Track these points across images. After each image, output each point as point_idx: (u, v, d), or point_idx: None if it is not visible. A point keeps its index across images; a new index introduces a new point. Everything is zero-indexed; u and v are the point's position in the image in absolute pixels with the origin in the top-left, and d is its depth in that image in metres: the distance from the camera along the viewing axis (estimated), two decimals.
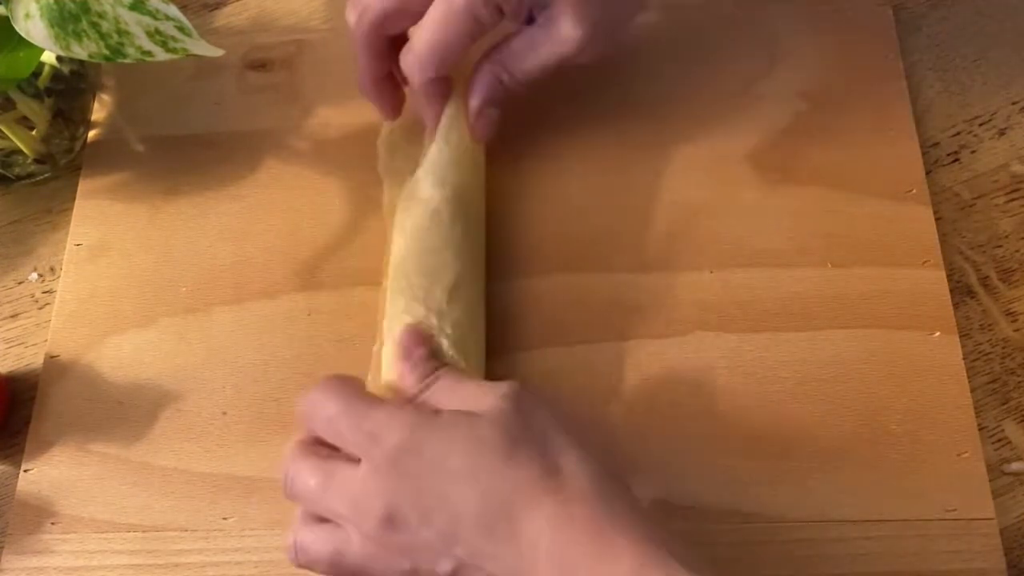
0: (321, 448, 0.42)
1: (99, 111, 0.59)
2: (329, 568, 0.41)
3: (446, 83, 0.51)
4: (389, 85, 0.52)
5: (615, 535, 0.37)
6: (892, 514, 0.46)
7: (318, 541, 0.41)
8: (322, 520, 0.42)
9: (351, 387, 0.42)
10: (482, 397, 0.41)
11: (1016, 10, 0.58)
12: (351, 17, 0.49)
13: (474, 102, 0.50)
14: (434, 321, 0.46)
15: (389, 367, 0.46)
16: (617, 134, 0.56)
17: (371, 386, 0.46)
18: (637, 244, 0.53)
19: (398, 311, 0.47)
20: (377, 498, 0.39)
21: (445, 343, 0.46)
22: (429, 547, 0.38)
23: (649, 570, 0.36)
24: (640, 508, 0.40)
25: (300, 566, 0.42)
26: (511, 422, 0.40)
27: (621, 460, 0.48)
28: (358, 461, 0.40)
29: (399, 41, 0.50)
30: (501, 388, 0.42)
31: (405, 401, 0.43)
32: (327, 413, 0.42)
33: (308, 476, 0.41)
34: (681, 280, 0.52)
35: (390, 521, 0.39)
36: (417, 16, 0.48)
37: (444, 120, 0.51)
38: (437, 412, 0.41)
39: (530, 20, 0.48)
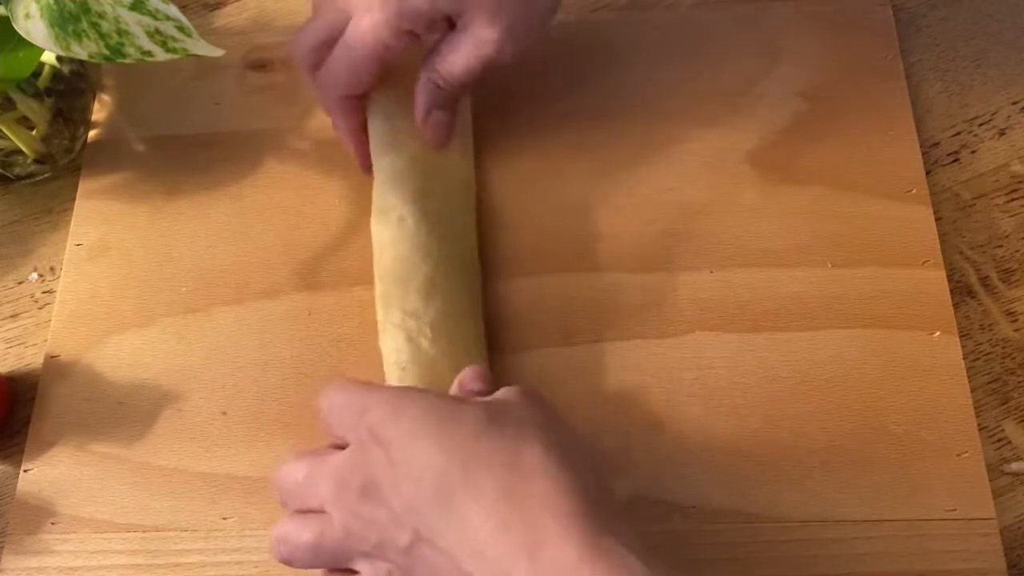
0: (317, 449, 0.42)
1: (99, 111, 0.59)
2: (310, 554, 0.40)
3: (355, 101, 0.52)
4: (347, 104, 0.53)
5: (561, 519, 0.36)
6: (892, 514, 0.46)
7: (300, 529, 0.41)
8: (306, 512, 0.41)
9: (357, 382, 0.43)
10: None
11: (1016, 10, 0.58)
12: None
13: (418, 111, 0.52)
14: (412, 324, 0.47)
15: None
16: (617, 134, 0.56)
17: None
18: (637, 244, 0.53)
19: (383, 320, 0.48)
20: (356, 471, 0.39)
21: (424, 343, 0.47)
22: (394, 519, 0.38)
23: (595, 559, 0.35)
24: (607, 503, 0.39)
25: (283, 560, 0.41)
26: (494, 409, 0.40)
27: (616, 460, 0.48)
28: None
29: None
30: (505, 389, 0.42)
31: None
32: (331, 403, 0.42)
33: (295, 471, 0.41)
34: (681, 280, 0.52)
35: (365, 492, 0.39)
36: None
37: (376, 134, 0.53)
38: (423, 391, 0.42)
39: (452, 27, 0.49)
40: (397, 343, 0.48)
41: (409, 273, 0.49)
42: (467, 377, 0.45)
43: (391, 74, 0.52)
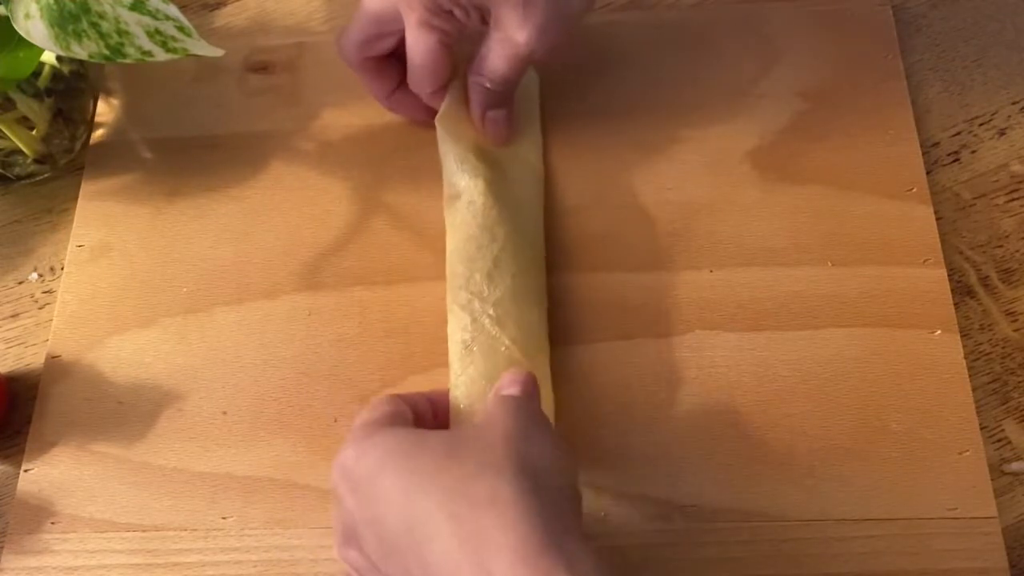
0: None
1: (102, 113, 0.59)
2: None
3: (442, 92, 0.53)
4: (403, 95, 0.54)
5: (505, 552, 0.34)
6: (893, 513, 0.46)
7: None
8: None
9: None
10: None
11: (1016, 10, 0.58)
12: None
13: (473, 113, 0.52)
14: (476, 305, 0.48)
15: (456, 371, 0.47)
16: (617, 134, 0.56)
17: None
18: (637, 244, 0.53)
19: (450, 301, 0.49)
20: (338, 519, 0.41)
21: (487, 322, 0.47)
22: (371, 565, 0.39)
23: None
24: (564, 523, 0.37)
25: None
26: (458, 439, 0.40)
27: (616, 459, 0.48)
28: None
29: (397, 54, 0.52)
30: (491, 400, 0.43)
31: None
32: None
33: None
34: (681, 280, 0.52)
35: (347, 540, 0.40)
36: (394, 33, 0.51)
37: (446, 124, 0.53)
38: (392, 429, 0.41)
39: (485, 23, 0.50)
40: (462, 322, 0.48)
41: (476, 255, 0.49)
42: (505, 382, 0.44)
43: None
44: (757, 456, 0.48)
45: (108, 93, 0.60)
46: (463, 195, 0.51)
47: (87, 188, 0.57)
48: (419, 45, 0.49)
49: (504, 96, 0.52)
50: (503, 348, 0.47)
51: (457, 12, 0.48)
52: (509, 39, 0.48)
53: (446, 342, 0.50)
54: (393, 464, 0.38)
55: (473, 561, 0.34)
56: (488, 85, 0.51)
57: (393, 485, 0.38)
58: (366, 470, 0.39)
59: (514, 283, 0.49)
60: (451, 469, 0.37)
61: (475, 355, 0.47)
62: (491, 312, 0.47)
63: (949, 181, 0.54)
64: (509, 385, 0.43)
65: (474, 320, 0.47)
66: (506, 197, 0.51)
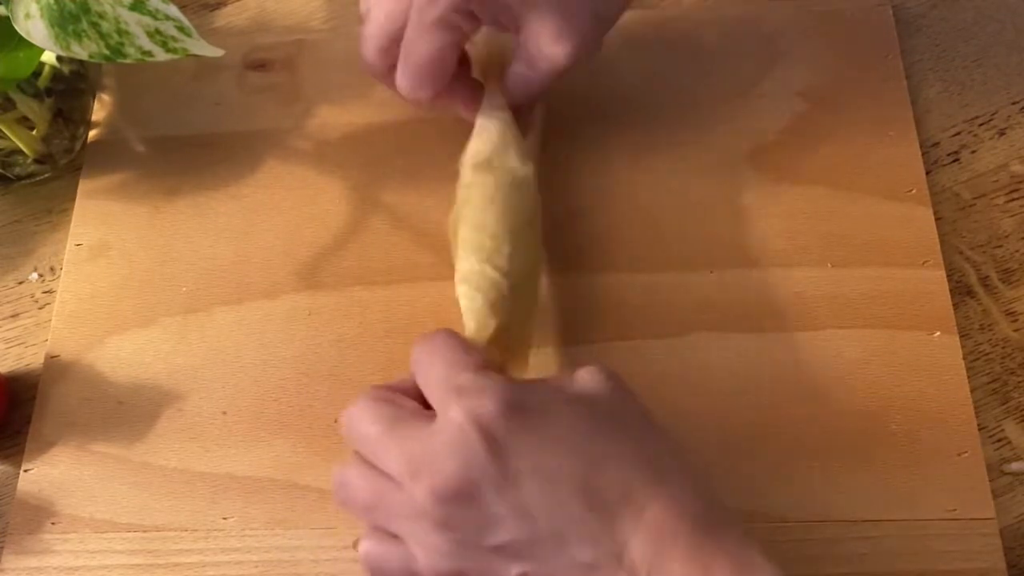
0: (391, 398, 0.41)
1: (99, 111, 0.59)
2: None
3: (460, 83, 0.51)
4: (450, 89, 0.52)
5: (715, 554, 0.36)
6: (892, 514, 0.46)
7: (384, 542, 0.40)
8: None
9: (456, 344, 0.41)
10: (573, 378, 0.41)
11: (1016, 10, 0.58)
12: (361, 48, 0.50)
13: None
14: (500, 278, 0.46)
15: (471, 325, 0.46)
16: (617, 134, 0.56)
17: None
18: (637, 244, 0.53)
19: (472, 264, 0.47)
20: (453, 463, 0.37)
21: (495, 273, 0.46)
22: (497, 517, 0.37)
23: None
24: (734, 523, 0.38)
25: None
26: (608, 406, 0.40)
27: None
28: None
29: None
30: (593, 370, 0.41)
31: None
32: (424, 370, 0.41)
33: (368, 426, 0.39)
34: (681, 280, 0.52)
35: (464, 481, 0.37)
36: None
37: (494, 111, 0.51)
38: (528, 385, 0.40)
39: (515, 28, 0.48)
40: (471, 264, 0.46)
41: (519, 229, 0.48)
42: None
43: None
44: (755, 457, 0.48)
45: (106, 91, 0.60)
46: (515, 172, 0.49)
47: (85, 187, 0.57)
48: (431, 44, 0.47)
49: (538, 97, 0.51)
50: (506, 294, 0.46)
51: (478, 12, 0.46)
52: (545, 55, 0.47)
53: None
54: (572, 412, 0.39)
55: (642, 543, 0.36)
56: (522, 94, 0.50)
57: (574, 429, 0.38)
58: (526, 419, 0.38)
59: (521, 255, 0.48)
60: (619, 445, 0.38)
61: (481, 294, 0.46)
62: (500, 263, 0.46)
63: (949, 181, 0.54)
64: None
65: (481, 262, 0.46)
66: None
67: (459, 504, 0.37)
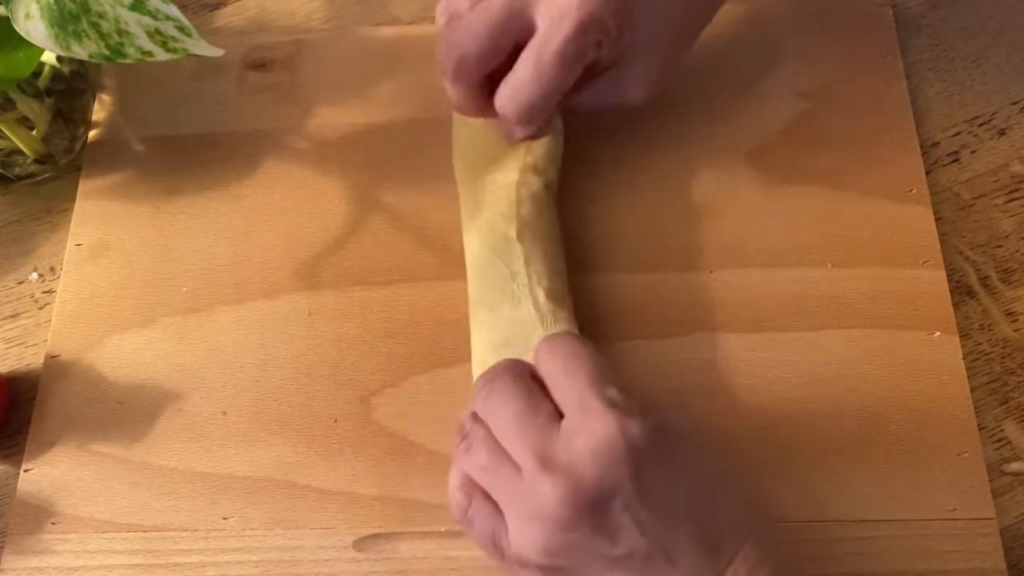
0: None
1: (99, 111, 0.59)
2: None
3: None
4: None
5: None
6: (892, 514, 0.46)
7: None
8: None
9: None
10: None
11: (1016, 10, 0.58)
12: (443, 57, 0.48)
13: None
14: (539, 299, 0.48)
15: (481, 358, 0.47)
16: (617, 134, 0.56)
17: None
18: (637, 244, 0.53)
19: (504, 278, 0.48)
20: (592, 464, 0.39)
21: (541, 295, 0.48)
22: (616, 528, 0.38)
23: None
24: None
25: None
26: (689, 445, 0.41)
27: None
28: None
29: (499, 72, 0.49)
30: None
31: None
32: (560, 374, 0.42)
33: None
34: (681, 281, 0.52)
35: (594, 489, 0.38)
36: (509, 52, 0.47)
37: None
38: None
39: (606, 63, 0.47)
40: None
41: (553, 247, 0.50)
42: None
43: None
44: (757, 457, 0.48)
45: (106, 91, 0.60)
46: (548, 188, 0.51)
47: (85, 186, 0.57)
48: (550, 84, 0.45)
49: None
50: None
51: (606, 51, 0.45)
52: (626, 95, 0.46)
53: (446, 342, 0.51)
54: (696, 444, 0.41)
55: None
56: (566, 114, 0.49)
57: (699, 461, 0.40)
58: (667, 444, 0.39)
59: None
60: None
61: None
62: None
63: (949, 181, 0.54)
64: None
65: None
66: None
67: (588, 511, 0.38)
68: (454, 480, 0.42)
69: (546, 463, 0.38)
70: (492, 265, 0.48)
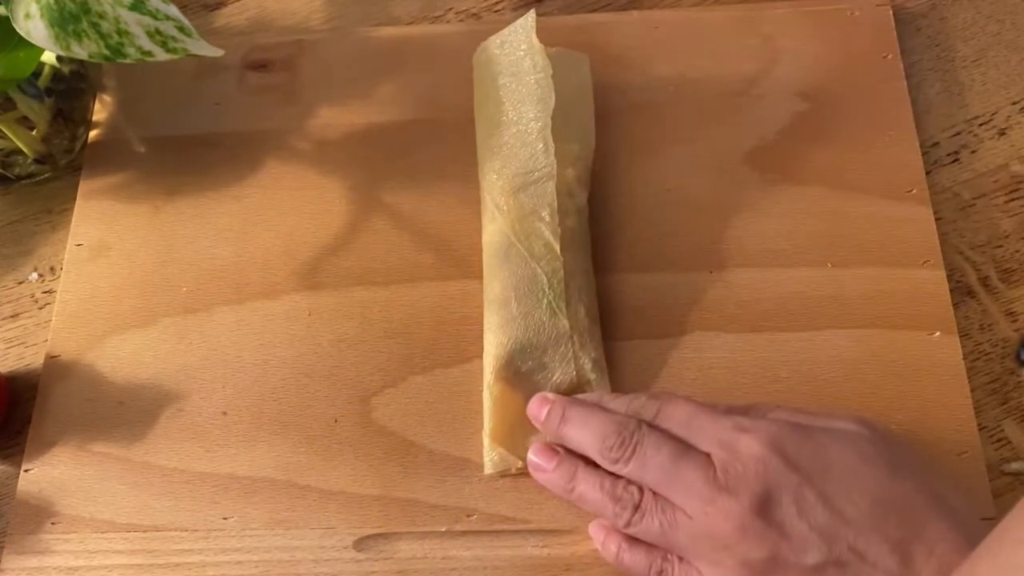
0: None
1: (100, 111, 0.59)
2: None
3: None
4: None
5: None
6: None
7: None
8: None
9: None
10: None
11: (1016, 10, 0.58)
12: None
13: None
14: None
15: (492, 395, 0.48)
16: (617, 134, 0.56)
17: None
18: (637, 244, 0.53)
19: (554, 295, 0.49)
20: (755, 479, 0.40)
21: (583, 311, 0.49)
22: (801, 537, 0.40)
23: None
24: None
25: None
26: (887, 447, 0.42)
27: None
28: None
29: None
30: (847, 417, 0.44)
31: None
32: (685, 418, 0.44)
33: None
34: (681, 280, 0.52)
35: (765, 503, 0.40)
36: None
37: None
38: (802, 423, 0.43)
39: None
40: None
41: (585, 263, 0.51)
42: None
43: None
44: None
45: (106, 91, 0.60)
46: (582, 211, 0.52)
47: (85, 187, 0.57)
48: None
49: None
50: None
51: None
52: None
53: (446, 342, 0.51)
54: (842, 453, 0.42)
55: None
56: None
57: (847, 471, 0.41)
58: (811, 452, 0.41)
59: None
60: (901, 475, 0.41)
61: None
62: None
63: (949, 181, 0.54)
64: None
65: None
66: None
67: (765, 519, 0.40)
68: (628, 558, 0.44)
69: (708, 496, 0.41)
70: (525, 267, 0.49)
